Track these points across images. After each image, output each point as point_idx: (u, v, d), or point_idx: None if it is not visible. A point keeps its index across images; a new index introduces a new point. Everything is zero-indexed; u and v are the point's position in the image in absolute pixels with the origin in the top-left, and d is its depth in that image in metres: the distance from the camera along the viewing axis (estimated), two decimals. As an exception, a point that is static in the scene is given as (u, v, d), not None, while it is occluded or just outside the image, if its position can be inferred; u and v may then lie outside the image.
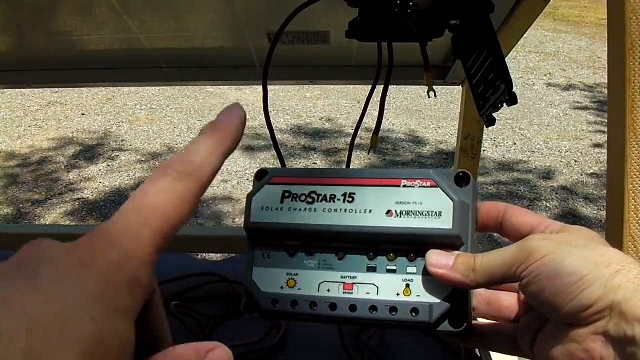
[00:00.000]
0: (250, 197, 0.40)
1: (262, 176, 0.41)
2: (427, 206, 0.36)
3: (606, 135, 0.53)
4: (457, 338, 0.38)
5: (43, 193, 2.87)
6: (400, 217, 0.37)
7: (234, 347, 0.88)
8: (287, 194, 0.39)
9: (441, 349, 0.91)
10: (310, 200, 0.39)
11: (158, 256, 0.22)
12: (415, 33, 0.58)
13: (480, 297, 0.40)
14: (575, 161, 3.36)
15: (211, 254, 1.99)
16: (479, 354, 0.90)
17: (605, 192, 0.92)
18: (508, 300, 0.39)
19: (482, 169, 3.15)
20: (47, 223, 2.58)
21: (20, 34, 0.87)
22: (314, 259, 0.38)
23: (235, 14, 0.79)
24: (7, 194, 2.86)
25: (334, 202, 0.38)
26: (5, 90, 3.54)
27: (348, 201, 0.38)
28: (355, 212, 0.37)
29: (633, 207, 0.49)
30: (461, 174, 0.37)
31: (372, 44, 0.64)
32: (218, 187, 2.95)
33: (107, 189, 2.92)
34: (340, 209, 0.38)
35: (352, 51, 0.91)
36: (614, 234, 0.50)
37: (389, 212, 0.37)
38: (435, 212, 0.36)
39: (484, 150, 3.37)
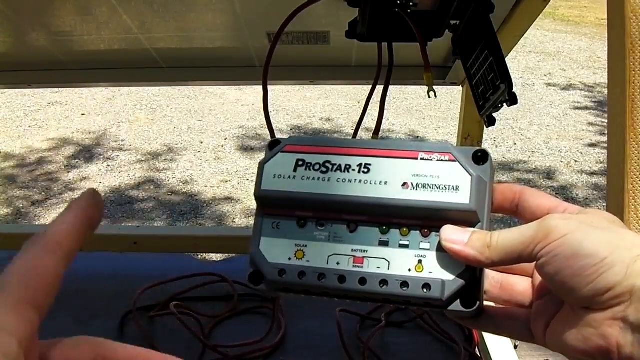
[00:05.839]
0: (262, 164, 0.39)
1: (274, 146, 0.40)
2: (445, 180, 0.35)
3: (606, 136, 0.53)
4: (467, 320, 0.37)
5: (43, 193, 2.87)
6: (417, 189, 0.36)
7: (234, 347, 0.88)
8: (300, 163, 0.38)
9: (441, 349, 0.91)
10: (325, 169, 0.37)
11: (29, 324, 0.24)
12: (416, 33, 0.58)
13: (493, 280, 0.39)
14: (575, 161, 3.36)
15: (211, 254, 1.99)
16: (479, 354, 0.90)
17: (605, 192, 0.92)
18: (521, 285, 0.38)
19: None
20: (47, 223, 2.58)
21: (20, 34, 0.87)
22: (324, 231, 0.37)
23: (235, 14, 0.79)
24: (7, 194, 2.86)
25: (348, 172, 0.37)
26: (5, 90, 3.54)
27: (363, 172, 0.37)
28: (370, 183, 0.36)
29: (633, 207, 0.49)
30: (479, 152, 0.36)
31: (372, 44, 0.64)
32: (218, 187, 2.95)
33: (107, 188, 2.92)
34: (355, 180, 0.37)
35: (352, 51, 0.91)
36: (614, 234, 0.50)
37: (405, 184, 0.36)
38: (453, 186, 0.35)
39: (484, 150, 3.37)
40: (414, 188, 0.36)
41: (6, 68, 0.98)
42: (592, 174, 3.20)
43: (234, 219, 2.67)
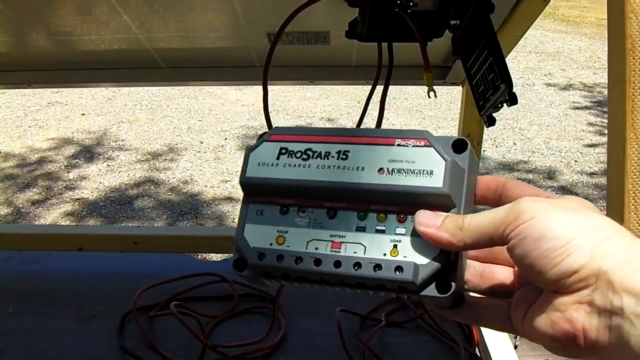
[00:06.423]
0: (248, 152, 0.41)
1: (262, 136, 0.41)
2: (419, 165, 0.36)
3: (606, 136, 0.53)
4: (447, 310, 0.37)
5: (43, 193, 2.87)
6: (392, 174, 0.36)
7: (234, 347, 0.88)
8: (283, 151, 0.40)
9: (441, 349, 0.91)
10: (305, 156, 0.39)
11: None
12: (416, 33, 0.58)
13: (474, 269, 0.39)
14: (575, 161, 3.36)
15: (211, 254, 1.98)
16: (479, 354, 0.90)
17: (605, 192, 0.92)
18: (502, 273, 0.38)
19: (482, 169, 3.15)
20: (47, 223, 2.58)
21: (20, 34, 0.87)
22: (305, 217, 0.38)
23: (235, 14, 0.79)
24: (7, 193, 2.86)
25: (328, 158, 0.38)
26: (5, 90, 3.54)
27: (342, 158, 0.38)
28: (348, 169, 0.37)
29: (633, 207, 0.49)
30: (459, 141, 0.37)
31: (372, 44, 0.64)
32: (218, 187, 2.95)
33: (107, 188, 2.92)
34: (333, 166, 0.38)
35: (352, 51, 0.91)
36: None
37: (380, 169, 0.37)
38: (427, 171, 0.36)
39: (484, 150, 3.37)
40: (389, 173, 0.37)
41: (6, 68, 0.98)
42: (592, 174, 3.20)
43: (234, 219, 2.67)
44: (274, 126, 0.62)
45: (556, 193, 2.98)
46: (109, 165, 3.18)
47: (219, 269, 1.06)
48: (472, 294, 0.39)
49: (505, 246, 0.32)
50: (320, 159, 0.38)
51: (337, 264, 0.36)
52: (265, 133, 0.41)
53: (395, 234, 0.36)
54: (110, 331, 0.93)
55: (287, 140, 0.40)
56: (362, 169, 0.37)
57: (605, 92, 2.23)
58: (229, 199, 2.84)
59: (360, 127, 0.65)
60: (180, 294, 1.00)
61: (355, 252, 0.36)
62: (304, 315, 0.97)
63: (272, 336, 0.92)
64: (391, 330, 0.95)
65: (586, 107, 4.24)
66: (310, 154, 0.39)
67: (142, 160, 3.24)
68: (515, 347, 0.89)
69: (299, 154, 0.39)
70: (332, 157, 0.38)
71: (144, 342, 0.90)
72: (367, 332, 0.92)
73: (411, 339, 0.93)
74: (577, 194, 2.98)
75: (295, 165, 0.39)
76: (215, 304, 1.00)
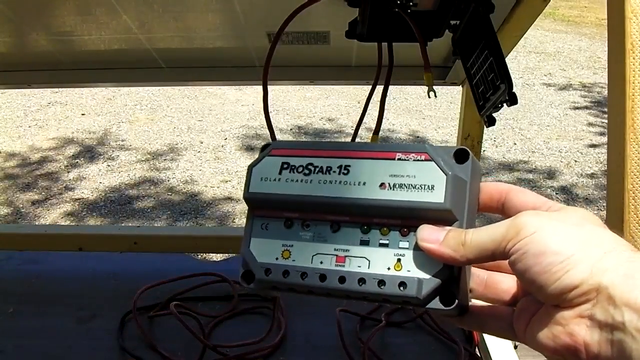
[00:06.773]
0: (250, 167, 0.41)
1: (264, 149, 0.42)
2: (421, 179, 0.36)
3: (606, 136, 0.53)
4: (453, 319, 0.38)
5: (43, 193, 2.87)
6: (393, 189, 0.36)
7: (234, 347, 0.88)
8: (285, 165, 0.40)
9: (441, 349, 0.91)
10: (307, 171, 0.39)
11: None
12: (416, 33, 0.58)
13: (478, 278, 0.39)
14: (575, 161, 3.36)
15: (211, 254, 1.99)
16: (479, 354, 0.90)
17: (605, 192, 0.92)
18: (506, 282, 0.38)
19: (482, 169, 3.14)
20: (47, 223, 2.58)
21: (20, 34, 0.87)
22: (309, 231, 0.39)
23: (235, 14, 0.79)
24: (7, 193, 2.86)
25: (329, 173, 0.38)
26: (5, 90, 3.54)
27: (343, 173, 0.38)
28: (349, 184, 0.38)
29: (633, 207, 0.49)
30: (459, 151, 0.37)
31: (372, 44, 0.64)
32: (218, 187, 2.95)
33: (107, 188, 2.92)
34: (335, 181, 0.38)
35: (352, 51, 0.91)
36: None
37: (382, 184, 0.37)
38: (428, 186, 0.36)
39: (484, 150, 3.37)
40: (390, 188, 0.37)
41: (6, 68, 0.98)
42: (592, 174, 3.20)
43: (234, 219, 2.67)
44: (273, 127, 0.63)
45: (556, 194, 2.98)
46: (109, 165, 3.18)
47: (219, 269, 1.06)
48: (476, 302, 0.39)
49: (507, 260, 0.32)
50: (322, 173, 0.39)
51: (342, 279, 0.36)
52: (266, 147, 0.41)
53: (399, 247, 0.36)
54: (110, 331, 0.93)
55: (288, 155, 0.40)
56: (364, 184, 0.37)
57: (605, 92, 2.23)
58: (229, 199, 2.84)
59: (358, 141, 0.65)
60: (180, 294, 1.00)
61: (359, 267, 0.36)
62: (304, 315, 0.97)
63: (272, 336, 0.92)
64: (391, 330, 0.95)
65: (586, 107, 4.24)
66: (312, 168, 0.39)
67: (142, 160, 3.24)
68: (515, 347, 0.89)
69: (300, 169, 0.39)
70: (334, 171, 0.38)
71: (144, 342, 0.90)
72: (367, 332, 0.92)
73: (411, 339, 0.93)
74: (577, 194, 2.98)
75: (297, 180, 0.39)
76: (215, 304, 1.00)
